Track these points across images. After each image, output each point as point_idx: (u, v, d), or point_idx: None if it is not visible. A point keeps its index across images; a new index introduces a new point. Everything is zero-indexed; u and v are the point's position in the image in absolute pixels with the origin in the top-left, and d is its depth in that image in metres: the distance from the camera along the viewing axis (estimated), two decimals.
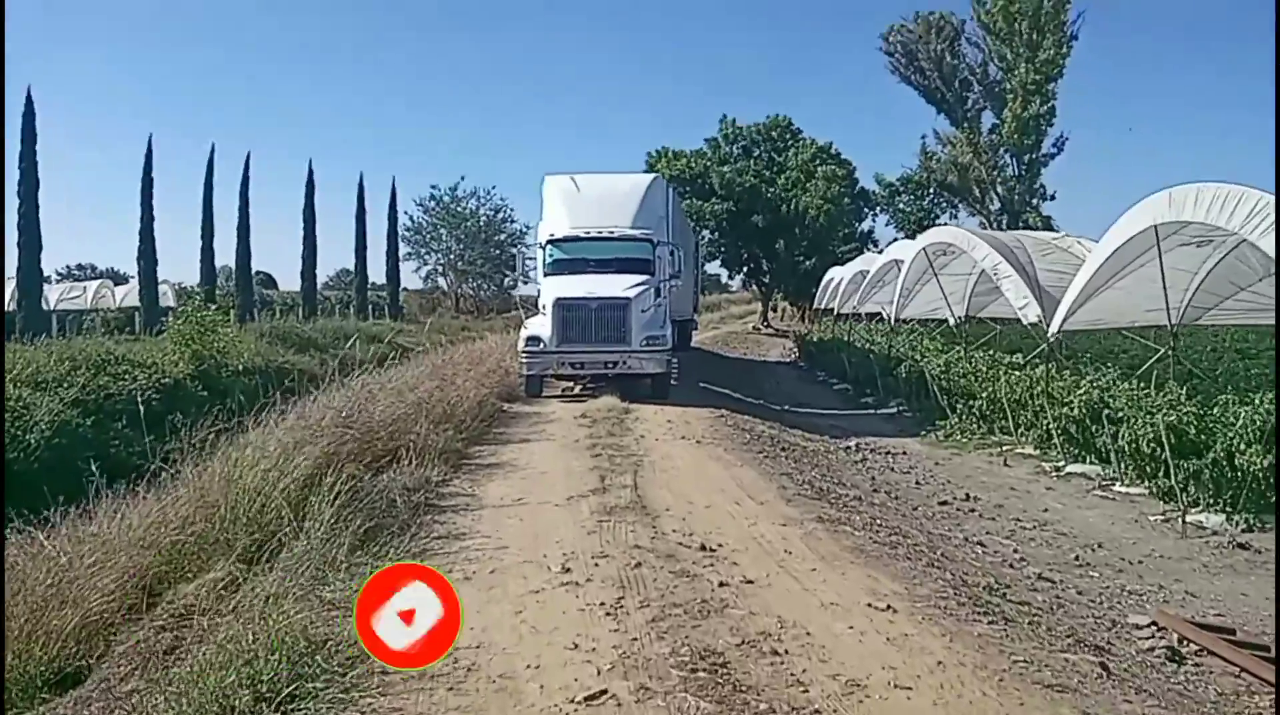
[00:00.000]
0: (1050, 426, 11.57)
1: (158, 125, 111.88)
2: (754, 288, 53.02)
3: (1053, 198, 44.61)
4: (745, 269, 48.36)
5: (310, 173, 40.52)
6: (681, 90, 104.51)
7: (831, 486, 8.59)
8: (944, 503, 9.14)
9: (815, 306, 36.48)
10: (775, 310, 52.54)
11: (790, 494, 7.58)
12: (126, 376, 13.88)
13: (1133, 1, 72.03)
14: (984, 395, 13.58)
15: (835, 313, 27.98)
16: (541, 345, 14.31)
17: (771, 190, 44.36)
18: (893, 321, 18.45)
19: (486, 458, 9.18)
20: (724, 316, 58.35)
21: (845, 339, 22.84)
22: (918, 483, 10.12)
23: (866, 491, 9.06)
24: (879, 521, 7.21)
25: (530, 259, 16.48)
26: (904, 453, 12.16)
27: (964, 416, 13.87)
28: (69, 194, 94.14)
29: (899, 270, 20.80)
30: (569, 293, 14.44)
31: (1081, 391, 11.03)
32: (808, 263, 44.87)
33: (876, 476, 10.19)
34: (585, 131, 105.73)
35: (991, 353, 16.78)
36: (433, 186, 54.87)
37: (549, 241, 15.81)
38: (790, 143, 46.29)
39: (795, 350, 30.17)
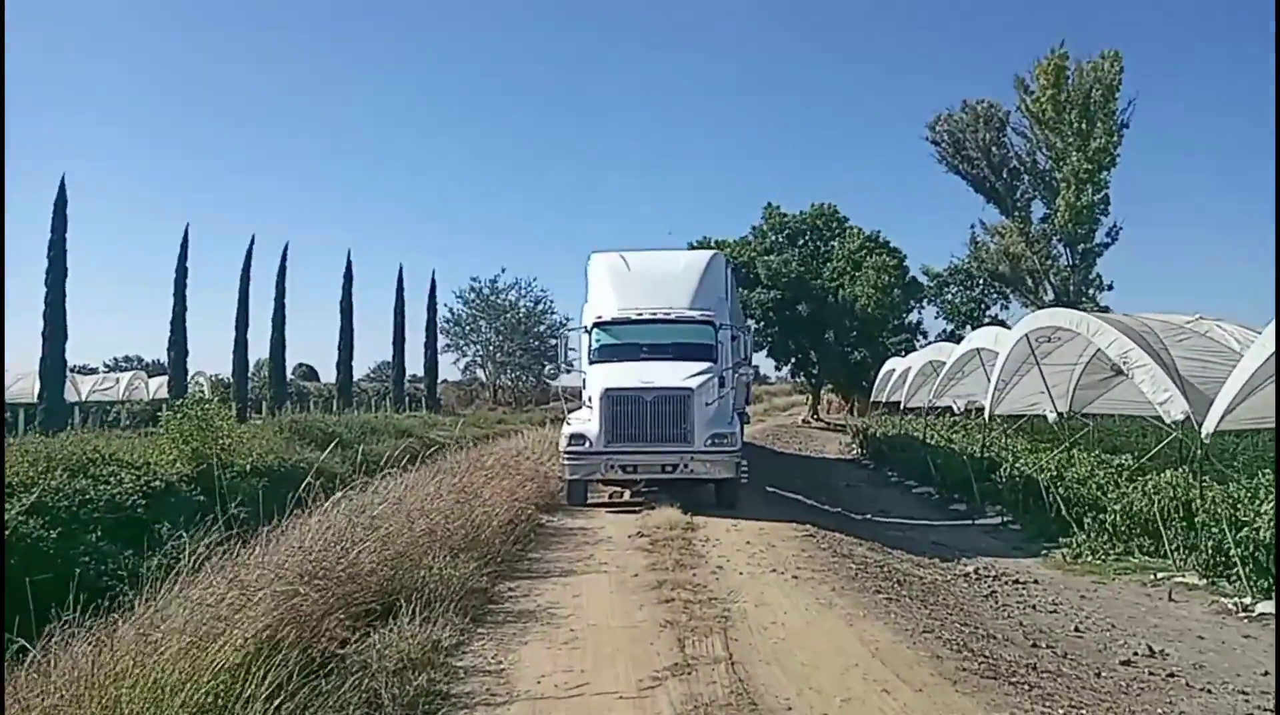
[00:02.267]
0: (1218, 548, 9.27)
1: (197, 215, 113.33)
2: (800, 379, 50.98)
3: (1110, 288, 42.47)
4: (793, 360, 46.43)
5: (349, 264, 40.25)
6: (725, 179, 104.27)
7: (986, 645, 6.30)
8: (1126, 663, 6.80)
9: (873, 399, 34.28)
10: (821, 402, 50.41)
11: (950, 668, 5.31)
12: (111, 479, 12.05)
13: (1184, 91, 70.79)
14: (1117, 507, 11.28)
15: (902, 406, 25.69)
16: (587, 444, 12.26)
17: (818, 280, 42.94)
18: (989, 416, 16.20)
19: (519, 601, 7.05)
20: (767, 408, 56.30)
21: (923, 437, 20.51)
22: (1077, 629, 7.77)
23: (1025, 648, 6.78)
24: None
25: (573, 348, 14.49)
26: (1035, 581, 9.81)
27: (1093, 533, 11.53)
28: (115, 285, 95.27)
29: (981, 359, 18.68)
30: (619, 382, 12.44)
31: (1270, 508, 8.73)
32: (857, 354, 43.10)
33: (1023, 621, 7.87)
34: (627, 223, 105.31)
35: (1097, 454, 14.59)
36: (472, 278, 54.33)
37: (595, 325, 13.84)
38: (837, 231, 45.21)
39: (856, 446, 27.93)
